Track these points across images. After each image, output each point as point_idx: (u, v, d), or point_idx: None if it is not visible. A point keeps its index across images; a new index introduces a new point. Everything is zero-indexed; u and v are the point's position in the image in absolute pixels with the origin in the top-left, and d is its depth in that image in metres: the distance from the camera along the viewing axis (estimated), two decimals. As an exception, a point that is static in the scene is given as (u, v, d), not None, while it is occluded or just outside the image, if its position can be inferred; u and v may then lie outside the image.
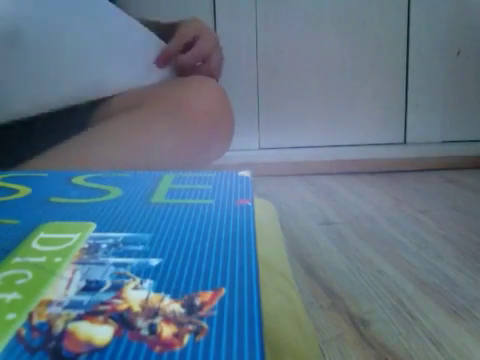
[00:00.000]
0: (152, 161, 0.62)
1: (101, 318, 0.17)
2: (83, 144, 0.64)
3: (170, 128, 0.64)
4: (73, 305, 0.18)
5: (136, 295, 0.18)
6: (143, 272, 0.20)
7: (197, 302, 0.18)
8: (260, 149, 1.31)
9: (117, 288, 0.19)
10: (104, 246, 0.23)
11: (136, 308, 0.17)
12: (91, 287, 0.19)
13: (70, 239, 0.23)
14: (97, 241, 0.23)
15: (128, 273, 0.20)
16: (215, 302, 0.18)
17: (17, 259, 0.21)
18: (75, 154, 0.63)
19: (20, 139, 0.70)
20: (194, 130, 0.64)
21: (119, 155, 0.63)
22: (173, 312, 0.17)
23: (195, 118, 0.64)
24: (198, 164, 0.66)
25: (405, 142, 1.33)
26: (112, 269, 0.21)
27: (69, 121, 0.70)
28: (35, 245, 0.23)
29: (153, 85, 0.73)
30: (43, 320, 0.17)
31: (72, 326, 0.16)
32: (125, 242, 0.23)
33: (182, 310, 0.17)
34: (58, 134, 0.64)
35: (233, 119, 0.70)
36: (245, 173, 0.37)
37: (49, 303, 0.18)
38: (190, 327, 0.16)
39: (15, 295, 0.18)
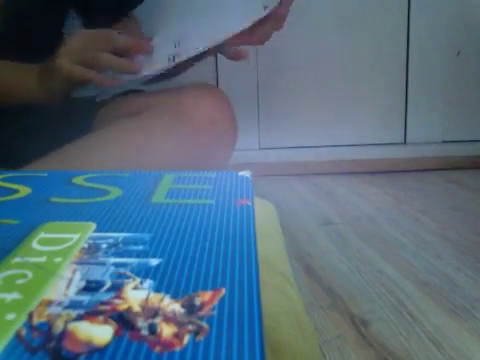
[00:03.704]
0: (153, 168, 0.62)
1: (101, 318, 0.17)
2: (84, 149, 0.64)
3: (172, 135, 0.64)
4: (73, 305, 0.18)
5: (136, 295, 0.18)
6: (143, 272, 0.20)
7: (197, 302, 0.18)
8: (260, 149, 1.31)
9: (117, 288, 0.19)
10: (104, 246, 0.23)
11: (136, 308, 0.17)
12: (91, 287, 0.19)
13: (70, 239, 0.23)
14: (97, 241, 0.23)
15: (128, 273, 0.20)
16: (215, 302, 0.18)
17: (17, 259, 0.21)
18: (76, 158, 0.63)
19: (23, 142, 0.70)
20: (196, 137, 0.64)
21: (120, 160, 0.63)
22: (173, 312, 0.17)
23: (197, 125, 0.64)
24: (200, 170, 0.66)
25: (405, 142, 1.33)
26: (112, 269, 0.21)
27: (72, 125, 0.70)
28: (35, 245, 0.23)
29: (157, 91, 0.73)
30: (43, 320, 0.17)
31: (72, 326, 0.16)
32: (125, 242, 0.23)
33: (182, 310, 0.17)
34: (60, 138, 0.64)
35: (236, 126, 0.70)
36: (245, 173, 0.37)
37: (49, 303, 0.18)
38: (190, 327, 0.16)
39: (15, 295, 0.18)
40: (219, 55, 0.70)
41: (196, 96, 0.66)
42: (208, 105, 0.65)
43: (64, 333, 0.16)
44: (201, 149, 0.65)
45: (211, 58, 1.24)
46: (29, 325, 0.16)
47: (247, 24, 0.64)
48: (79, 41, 0.60)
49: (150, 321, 0.17)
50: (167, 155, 0.64)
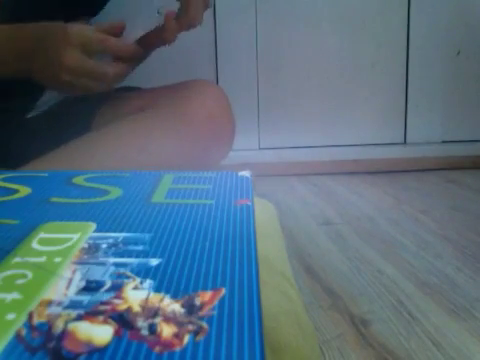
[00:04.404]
0: (153, 165, 0.62)
1: (101, 318, 0.17)
2: (85, 147, 0.64)
3: (171, 132, 0.64)
4: (73, 305, 0.18)
5: (136, 295, 0.18)
6: (143, 272, 0.20)
7: (197, 302, 0.18)
8: (260, 149, 1.31)
9: (117, 288, 0.19)
10: (104, 246, 0.23)
11: (136, 308, 0.17)
12: (91, 287, 0.19)
13: (70, 239, 0.23)
14: (97, 241, 0.23)
15: (128, 273, 0.20)
16: (215, 302, 0.18)
17: (17, 259, 0.21)
18: (76, 158, 0.63)
19: (23, 142, 0.70)
20: (195, 134, 0.64)
21: (120, 158, 0.63)
22: (173, 312, 0.17)
23: (196, 123, 0.64)
24: (199, 168, 0.66)
25: (405, 142, 1.33)
26: (112, 269, 0.21)
27: (71, 124, 0.70)
28: (35, 245, 0.23)
29: (155, 89, 0.73)
30: (43, 320, 0.17)
31: (72, 326, 0.16)
32: (125, 242, 0.23)
33: (182, 310, 0.17)
34: (61, 137, 0.64)
35: (234, 124, 0.70)
36: (245, 173, 0.37)
37: (49, 303, 0.18)
38: (190, 327, 0.16)
39: (15, 295, 0.18)
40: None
41: (194, 93, 0.66)
42: (206, 101, 0.66)
43: (64, 333, 0.16)
44: (200, 145, 0.65)
45: (211, 57, 1.24)
46: (29, 325, 0.16)
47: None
48: (80, 52, 0.59)
49: (150, 321, 0.17)
50: (166, 152, 0.64)
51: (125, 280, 0.20)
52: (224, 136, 0.68)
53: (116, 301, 0.18)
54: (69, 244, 0.23)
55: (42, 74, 0.60)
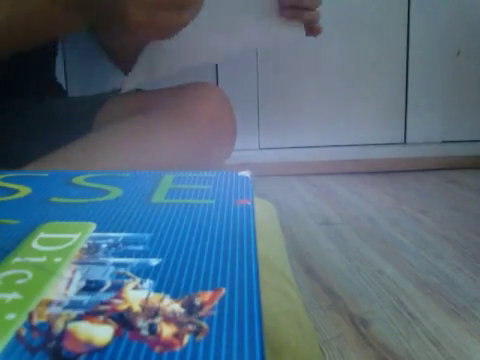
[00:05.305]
0: (154, 167, 0.62)
1: (101, 318, 0.17)
2: (85, 148, 0.64)
3: (172, 134, 0.64)
4: (73, 305, 0.18)
5: (136, 295, 0.18)
6: (143, 272, 0.20)
7: (197, 302, 0.18)
8: (260, 149, 1.31)
9: (117, 288, 0.19)
10: (104, 246, 0.23)
11: (136, 308, 0.17)
12: (91, 287, 0.19)
13: (70, 239, 0.23)
14: (97, 241, 0.23)
15: (128, 273, 0.20)
16: (215, 302, 0.18)
17: (17, 259, 0.21)
18: (76, 158, 0.63)
19: (23, 142, 0.70)
20: (196, 136, 0.64)
21: (122, 160, 0.63)
22: (173, 312, 0.17)
23: (197, 124, 0.64)
24: (200, 170, 0.66)
25: (405, 142, 1.33)
26: (112, 269, 0.21)
27: (72, 125, 0.70)
28: (35, 245, 0.23)
29: (156, 91, 0.73)
30: (43, 320, 0.17)
31: (72, 326, 0.16)
32: (125, 242, 0.23)
33: (182, 310, 0.17)
34: (61, 138, 0.64)
35: (235, 125, 0.70)
36: (245, 173, 0.37)
37: (49, 303, 0.18)
38: (190, 327, 0.16)
39: (15, 295, 0.18)
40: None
41: (196, 95, 0.66)
42: (208, 104, 0.66)
43: (64, 333, 0.16)
44: (201, 147, 0.65)
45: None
46: (29, 325, 0.16)
47: None
48: None
49: (150, 321, 0.17)
50: (167, 154, 0.64)
51: (125, 280, 0.20)
52: (225, 138, 0.68)
53: (116, 301, 0.18)
54: (69, 244, 0.23)
55: (108, 17, 0.55)
